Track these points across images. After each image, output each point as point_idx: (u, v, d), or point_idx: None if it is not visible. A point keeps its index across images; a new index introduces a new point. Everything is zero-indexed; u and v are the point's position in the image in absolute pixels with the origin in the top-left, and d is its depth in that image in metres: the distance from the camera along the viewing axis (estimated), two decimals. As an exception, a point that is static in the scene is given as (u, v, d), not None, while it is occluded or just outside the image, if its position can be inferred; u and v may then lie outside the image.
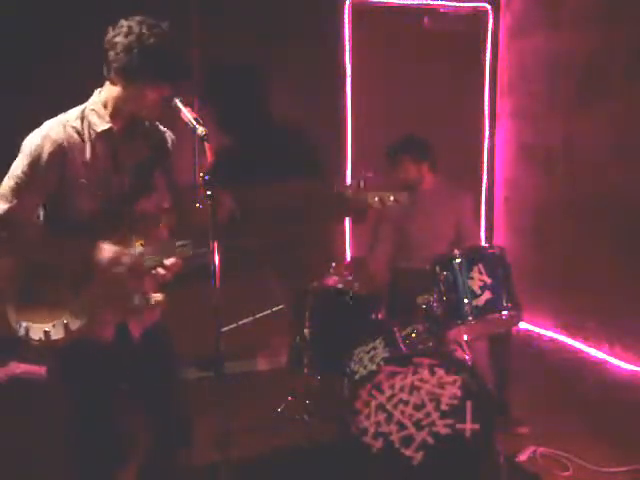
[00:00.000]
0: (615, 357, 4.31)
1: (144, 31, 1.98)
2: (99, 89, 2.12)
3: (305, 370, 3.35)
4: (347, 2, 4.66)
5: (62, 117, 2.07)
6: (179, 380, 2.39)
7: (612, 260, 4.25)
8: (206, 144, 1.90)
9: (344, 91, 4.71)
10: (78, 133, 2.04)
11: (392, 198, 2.64)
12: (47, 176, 2.00)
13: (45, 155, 1.99)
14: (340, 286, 3.43)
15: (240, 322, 3.95)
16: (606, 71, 4.29)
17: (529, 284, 4.29)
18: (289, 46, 4.31)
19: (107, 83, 2.07)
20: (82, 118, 2.06)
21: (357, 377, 2.84)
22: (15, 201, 1.99)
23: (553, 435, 3.28)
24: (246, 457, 3.00)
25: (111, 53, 2.00)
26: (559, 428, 3.39)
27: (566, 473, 3.01)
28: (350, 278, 3.53)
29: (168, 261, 2.08)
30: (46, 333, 2.03)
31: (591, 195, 4.46)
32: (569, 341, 4.70)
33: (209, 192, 1.85)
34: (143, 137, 2.16)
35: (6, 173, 2.03)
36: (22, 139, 2.04)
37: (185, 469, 2.43)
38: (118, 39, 1.98)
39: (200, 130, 1.91)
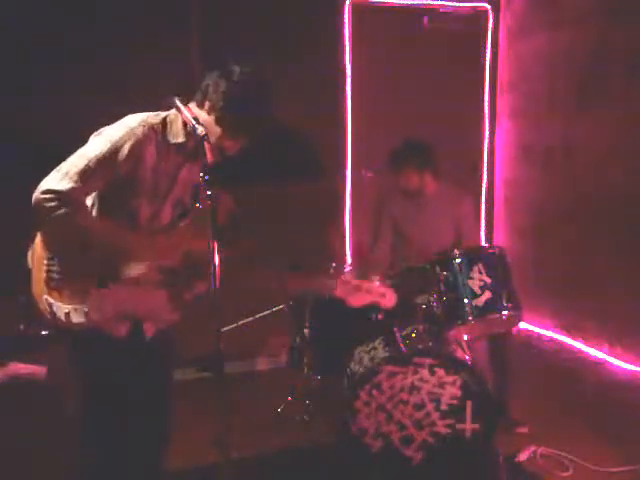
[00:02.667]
0: (615, 357, 4.31)
1: (251, 88, 2.10)
2: (181, 99, 2.15)
3: (305, 370, 3.35)
4: (347, 2, 4.66)
5: (146, 117, 2.10)
6: (171, 386, 2.42)
7: (612, 260, 4.25)
8: (206, 144, 1.90)
9: (344, 91, 4.70)
10: (156, 138, 2.08)
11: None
12: (119, 167, 2.02)
13: (126, 148, 2.01)
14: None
15: (240, 322, 3.95)
16: (606, 71, 4.28)
17: (529, 284, 4.30)
18: (289, 46, 4.31)
19: (194, 105, 2.14)
20: (164, 125, 2.11)
21: (357, 377, 2.84)
22: (79, 183, 1.97)
23: (553, 435, 3.28)
24: (246, 457, 3.00)
25: (211, 89, 2.09)
26: (559, 428, 3.39)
27: (566, 473, 3.01)
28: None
29: (196, 284, 2.16)
30: (66, 315, 2.06)
31: (591, 195, 4.46)
32: (569, 341, 4.70)
33: (209, 192, 1.85)
34: (202, 157, 2.19)
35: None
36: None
37: (185, 469, 2.43)
38: (222, 81, 2.08)
39: (200, 130, 1.92)
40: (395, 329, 3.04)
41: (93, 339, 2.10)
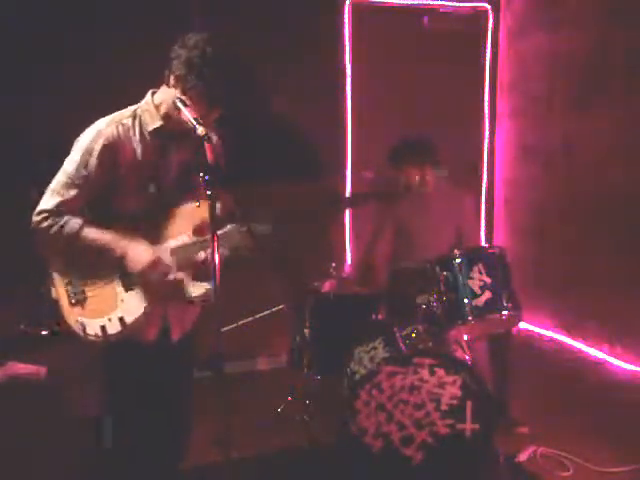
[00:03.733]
0: (615, 357, 4.31)
1: (209, 51, 2.04)
2: (152, 90, 2.18)
3: (305, 370, 3.35)
4: (347, 2, 4.65)
5: (115, 116, 2.13)
6: (191, 390, 2.43)
7: (612, 260, 4.24)
8: (206, 144, 1.90)
9: (344, 91, 4.70)
10: (130, 132, 2.10)
11: None
12: (97, 173, 2.06)
13: (97, 152, 2.05)
14: (340, 287, 3.44)
15: (240, 322, 3.95)
16: (606, 71, 4.28)
17: (529, 284, 4.30)
18: (289, 46, 4.31)
19: (164, 86, 2.13)
20: (134, 117, 2.13)
21: (357, 377, 2.84)
22: (66, 195, 2.06)
23: (553, 435, 3.28)
24: (246, 457, 3.00)
25: (175, 62, 2.06)
26: (559, 428, 3.39)
27: (566, 473, 3.01)
28: (350, 278, 3.53)
29: (203, 253, 2.14)
30: (102, 328, 2.09)
31: (591, 195, 4.46)
32: (569, 341, 4.70)
33: (209, 192, 1.85)
34: (188, 138, 2.17)
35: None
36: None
37: (185, 469, 2.44)
38: (182, 51, 2.05)
39: (200, 130, 1.91)
40: (395, 329, 3.04)
41: (123, 346, 2.13)
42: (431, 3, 4.92)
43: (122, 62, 3.74)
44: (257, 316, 4.03)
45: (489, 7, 5.10)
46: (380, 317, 3.35)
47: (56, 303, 2.17)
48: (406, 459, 2.77)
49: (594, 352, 4.47)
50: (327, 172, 4.59)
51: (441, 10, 4.93)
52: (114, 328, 2.10)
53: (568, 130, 4.63)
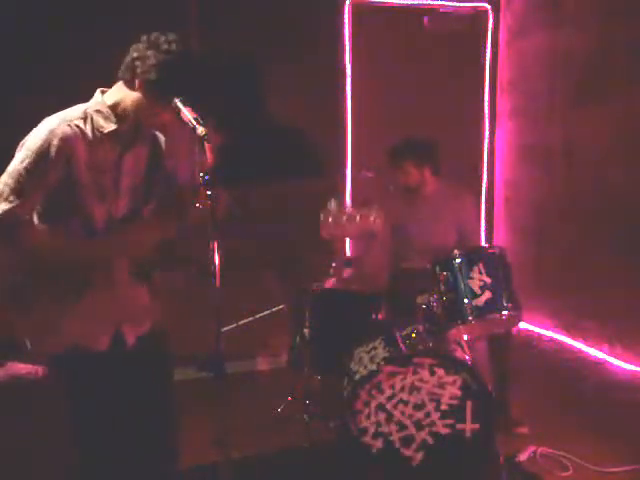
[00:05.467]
0: (615, 357, 4.31)
1: (176, 52, 1.96)
2: (101, 89, 2.08)
3: (305, 370, 3.35)
4: (347, 2, 4.66)
5: (63, 115, 2.00)
6: (172, 387, 2.34)
7: (612, 260, 4.24)
8: (206, 144, 1.89)
9: (344, 91, 4.71)
10: (82, 133, 1.98)
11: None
12: (51, 173, 1.93)
13: (52, 151, 1.92)
14: (340, 286, 3.44)
15: (240, 322, 3.95)
16: (606, 71, 4.28)
17: (529, 284, 4.30)
18: (289, 46, 4.31)
19: (121, 85, 2.03)
20: (85, 118, 2.00)
21: (357, 377, 2.84)
22: (17, 201, 1.90)
23: (553, 435, 3.27)
24: (246, 457, 3.00)
25: (138, 63, 1.96)
26: (559, 428, 3.39)
27: (566, 473, 3.00)
28: (350, 278, 3.53)
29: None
30: (40, 338, 2.02)
31: (591, 195, 4.46)
32: (569, 341, 4.70)
33: (209, 192, 1.84)
34: (143, 140, 2.15)
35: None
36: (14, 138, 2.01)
37: (185, 469, 2.43)
38: (150, 53, 1.95)
39: (200, 130, 1.90)
40: (395, 329, 3.04)
41: (73, 358, 2.04)
42: (431, 3, 4.92)
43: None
44: (257, 316, 4.03)
45: (489, 7, 5.10)
46: (380, 317, 3.35)
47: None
48: (406, 459, 2.77)
49: (594, 352, 4.47)
50: (327, 172, 4.59)
51: (441, 10, 4.94)
52: (52, 339, 2.03)
53: (568, 130, 4.63)
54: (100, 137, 2.01)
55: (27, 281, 2.01)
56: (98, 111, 2.02)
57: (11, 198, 1.90)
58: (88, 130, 1.99)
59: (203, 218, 1.88)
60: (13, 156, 1.97)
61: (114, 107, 2.03)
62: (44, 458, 2.67)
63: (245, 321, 4.00)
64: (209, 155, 1.88)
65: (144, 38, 1.98)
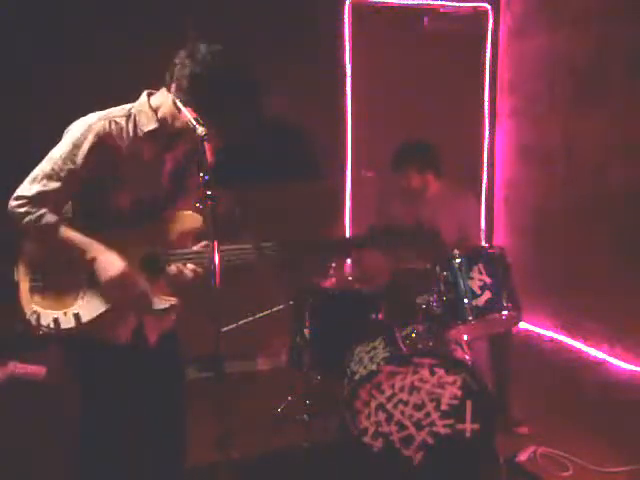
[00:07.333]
0: (615, 357, 4.31)
1: (211, 66, 1.99)
2: (148, 91, 2.13)
3: (305, 370, 3.35)
4: (347, 2, 4.65)
5: (108, 112, 2.07)
6: (184, 391, 2.39)
7: (612, 260, 4.24)
8: (206, 144, 1.89)
9: (344, 91, 4.70)
10: (123, 131, 2.04)
11: None
12: (84, 167, 2.00)
13: (87, 146, 1.99)
14: (340, 286, 3.44)
15: (240, 322, 3.95)
16: (606, 71, 4.28)
17: (529, 284, 4.29)
18: (289, 46, 4.30)
19: (165, 91, 2.08)
20: (128, 117, 2.07)
21: (357, 377, 2.84)
22: (48, 186, 1.99)
23: (553, 435, 3.28)
24: (246, 457, 3.00)
25: (176, 69, 2.01)
26: (559, 428, 3.39)
27: (566, 473, 3.01)
28: (350, 278, 3.53)
29: (191, 266, 2.10)
30: (55, 320, 2.03)
31: (591, 195, 4.45)
32: (569, 341, 4.70)
33: (209, 192, 1.84)
34: (183, 141, 2.16)
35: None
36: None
37: (185, 469, 2.43)
38: (188, 61, 1.99)
39: (200, 130, 1.90)
40: (395, 329, 3.04)
41: (90, 347, 2.07)
42: (431, 3, 4.92)
43: (122, 62, 3.74)
44: (257, 316, 4.03)
45: (489, 7, 5.10)
46: (380, 317, 3.35)
47: (16, 286, 2.10)
48: (406, 459, 2.77)
49: (594, 352, 4.47)
50: (327, 172, 4.59)
51: (441, 10, 4.93)
52: (68, 323, 2.03)
53: (568, 130, 4.63)
54: (141, 136, 2.07)
55: (47, 259, 2.07)
56: (142, 111, 2.09)
57: (44, 182, 2.00)
58: (130, 128, 2.06)
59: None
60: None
61: (156, 109, 2.09)
62: (44, 458, 2.68)
63: (245, 321, 4.00)
64: (209, 155, 1.89)
65: (189, 45, 2.04)
